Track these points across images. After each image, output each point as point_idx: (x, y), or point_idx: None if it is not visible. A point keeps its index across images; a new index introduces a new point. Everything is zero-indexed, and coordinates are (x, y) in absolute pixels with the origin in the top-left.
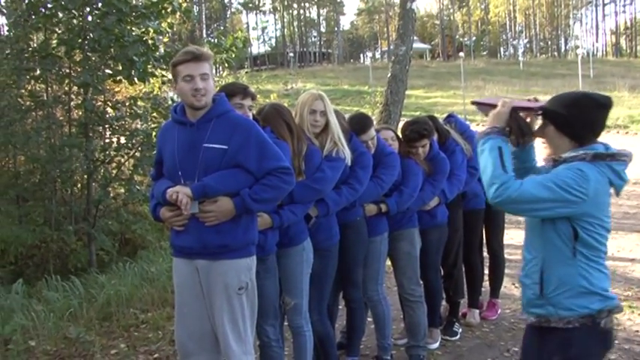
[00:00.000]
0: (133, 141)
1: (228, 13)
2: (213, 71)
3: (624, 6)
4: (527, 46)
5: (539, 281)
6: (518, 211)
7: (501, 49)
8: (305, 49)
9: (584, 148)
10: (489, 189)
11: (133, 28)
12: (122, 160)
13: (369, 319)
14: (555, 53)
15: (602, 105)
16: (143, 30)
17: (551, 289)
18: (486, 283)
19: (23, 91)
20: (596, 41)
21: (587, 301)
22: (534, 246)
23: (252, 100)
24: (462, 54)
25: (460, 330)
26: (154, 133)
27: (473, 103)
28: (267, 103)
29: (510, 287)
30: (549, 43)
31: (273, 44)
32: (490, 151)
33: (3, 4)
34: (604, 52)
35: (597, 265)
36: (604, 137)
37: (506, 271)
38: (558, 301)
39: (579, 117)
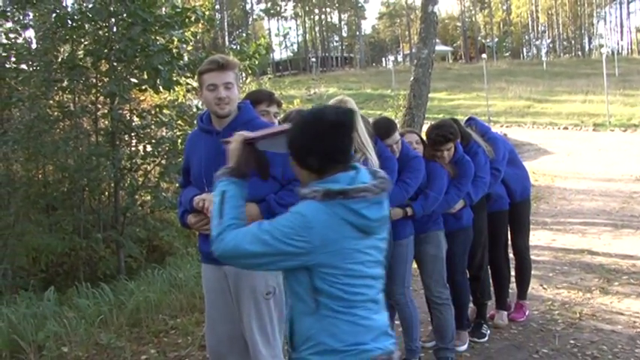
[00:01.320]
0: (159, 149)
1: (250, 19)
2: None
3: None
4: (551, 46)
5: (289, 333)
6: (245, 267)
7: (524, 49)
8: (327, 54)
9: (322, 181)
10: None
11: (158, 38)
12: (148, 167)
13: (397, 322)
14: (579, 53)
15: (334, 124)
16: (167, 39)
17: (300, 343)
18: (513, 285)
19: (51, 102)
20: (621, 39)
21: (336, 358)
22: (286, 290)
23: (278, 107)
24: (484, 55)
25: (488, 332)
26: (179, 141)
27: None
28: (293, 109)
29: (538, 289)
30: (573, 42)
31: (296, 50)
32: (215, 197)
33: (31, 18)
34: (629, 50)
35: (349, 317)
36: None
37: (534, 272)
38: (306, 358)
39: (305, 142)
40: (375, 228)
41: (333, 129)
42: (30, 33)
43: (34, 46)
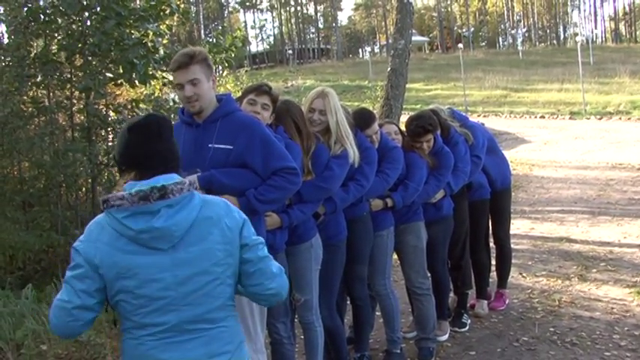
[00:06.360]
0: None
1: (226, 12)
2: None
3: None
4: (526, 35)
5: None
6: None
7: (500, 39)
8: (303, 46)
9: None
10: None
11: (133, 31)
12: None
13: (378, 313)
14: (554, 41)
15: (130, 128)
16: (142, 33)
17: None
18: (493, 274)
19: (25, 97)
20: (595, 28)
21: None
22: None
23: (269, 99)
24: (460, 45)
25: (469, 321)
26: None
27: None
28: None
29: (518, 277)
30: (548, 31)
31: (272, 42)
32: None
33: (2, 12)
34: (603, 39)
35: (134, 340)
36: (603, 124)
37: (513, 261)
38: None
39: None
40: (147, 241)
41: (128, 134)
42: (1, 28)
43: (5, 40)
